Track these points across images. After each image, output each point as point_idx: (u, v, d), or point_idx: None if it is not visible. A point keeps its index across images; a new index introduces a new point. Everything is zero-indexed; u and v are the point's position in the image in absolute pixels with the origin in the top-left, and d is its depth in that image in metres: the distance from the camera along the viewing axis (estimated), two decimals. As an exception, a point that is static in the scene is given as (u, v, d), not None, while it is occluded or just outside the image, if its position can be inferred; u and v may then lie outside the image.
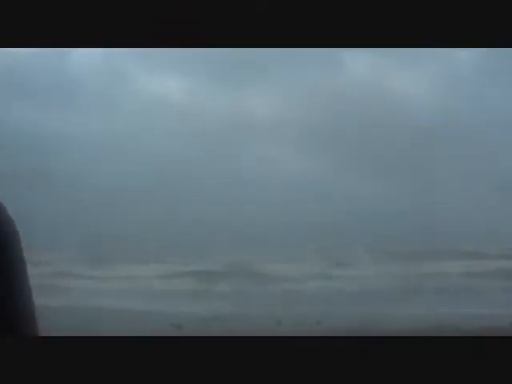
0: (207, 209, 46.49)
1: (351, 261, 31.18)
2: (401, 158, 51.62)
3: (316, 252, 33.47)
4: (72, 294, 22.14)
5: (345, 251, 33.60)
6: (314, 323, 13.82)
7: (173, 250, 35.47)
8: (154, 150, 51.72)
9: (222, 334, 10.69)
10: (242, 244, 36.47)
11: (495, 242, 33.62)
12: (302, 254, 32.81)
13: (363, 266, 29.73)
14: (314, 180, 52.16)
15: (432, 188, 47.80)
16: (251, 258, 31.20)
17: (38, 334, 1.46)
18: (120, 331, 11.00)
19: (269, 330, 12.09)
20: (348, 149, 52.82)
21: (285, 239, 39.14)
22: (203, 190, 48.95)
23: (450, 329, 12.06)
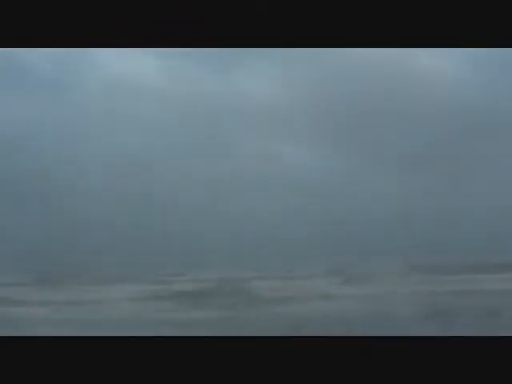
0: (191, 216, 46.62)
1: (366, 276, 31.37)
2: (430, 154, 51.81)
3: (323, 266, 33.66)
4: (12, 324, 21.78)
5: (358, 265, 33.79)
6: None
7: (149, 267, 35.48)
8: (128, 148, 51.83)
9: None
10: (234, 258, 36.64)
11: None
12: (305, 269, 33.02)
13: (380, 282, 29.91)
14: (321, 180, 52.30)
15: (467, 190, 48.00)
16: (244, 274, 31.38)
17: None
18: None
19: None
20: (364, 144, 52.97)
21: (284, 252, 39.32)
22: (189, 193, 49.03)
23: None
